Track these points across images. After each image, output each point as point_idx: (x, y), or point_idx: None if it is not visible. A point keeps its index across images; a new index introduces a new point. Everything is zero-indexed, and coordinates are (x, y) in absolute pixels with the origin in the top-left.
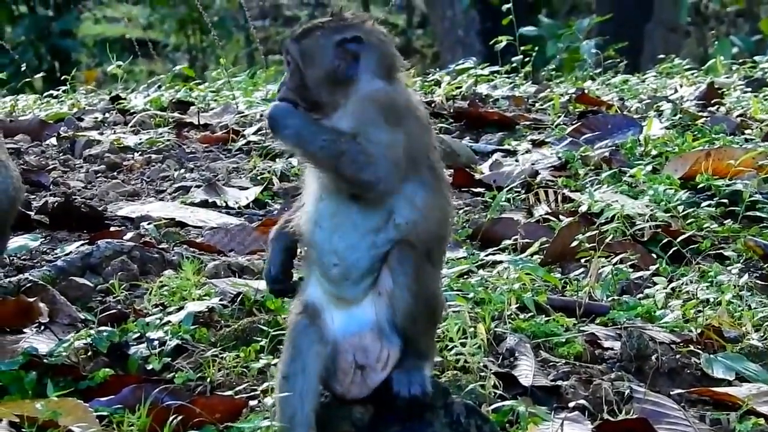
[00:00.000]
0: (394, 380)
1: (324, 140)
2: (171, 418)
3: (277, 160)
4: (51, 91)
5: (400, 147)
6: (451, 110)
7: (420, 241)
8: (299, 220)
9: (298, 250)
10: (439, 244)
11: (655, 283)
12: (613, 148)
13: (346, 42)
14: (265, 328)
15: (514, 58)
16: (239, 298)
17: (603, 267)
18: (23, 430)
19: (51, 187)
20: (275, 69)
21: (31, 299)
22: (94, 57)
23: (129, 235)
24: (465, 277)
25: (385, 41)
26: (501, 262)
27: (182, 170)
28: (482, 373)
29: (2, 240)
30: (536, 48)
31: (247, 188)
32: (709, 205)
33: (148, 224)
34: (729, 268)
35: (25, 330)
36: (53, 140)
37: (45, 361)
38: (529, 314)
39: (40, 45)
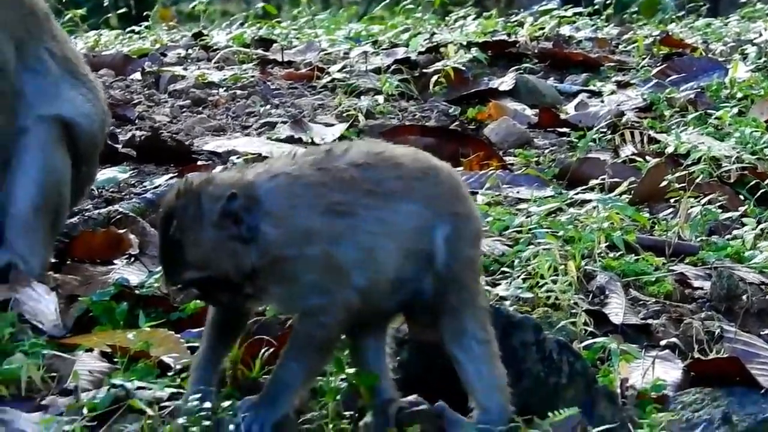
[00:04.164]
0: None
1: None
2: (262, 351)
3: (362, 97)
4: (132, 27)
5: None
6: (536, 51)
7: None
8: None
9: None
10: None
11: (743, 225)
12: (699, 90)
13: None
14: None
15: (596, 0)
16: None
17: (692, 207)
18: (115, 359)
19: (137, 121)
20: (356, 9)
21: (121, 231)
22: None
23: (217, 169)
24: (554, 215)
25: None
26: (590, 201)
27: (267, 106)
28: (573, 311)
29: (92, 167)
30: None
31: (332, 125)
32: None
33: (236, 158)
34: None
35: (115, 261)
36: (137, 75)
37: (136, 292)
38: (619, 253)
39: None
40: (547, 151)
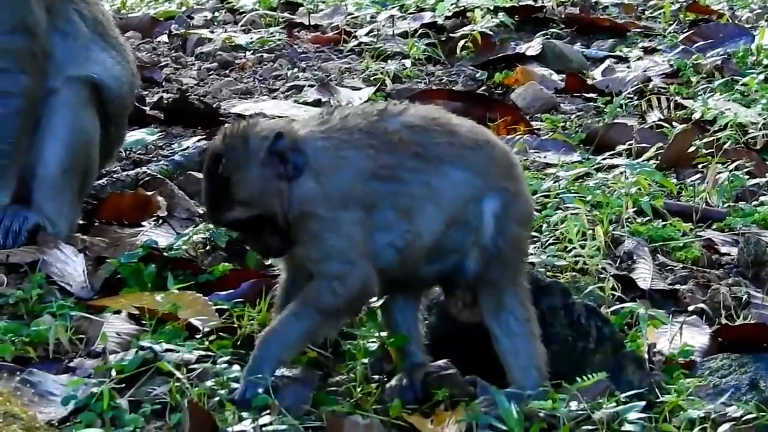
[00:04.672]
0: None
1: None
2: None
3: (389, 61)
4: None
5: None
6: (562, 16)
7: None
8: None
9: None
10: None
11: None
12: (725, 56)
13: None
14: None
15: None
16: None
17: (719, 173)
18: (143, 321)
19: (164, 83)
20: None
21: (149, 193)
22: None
23: None
24: (581, 180)
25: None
26: (617, 166)
27: (294, 70)
28: (601, 276)
29: (121, 129)
30: None
31: (359, 89)
32: None
33: None
34: None
35: (143, 223)
36: (164, 38)
37: (164, 254)
38: (646, 218)
39: None
40: (573, 116)
